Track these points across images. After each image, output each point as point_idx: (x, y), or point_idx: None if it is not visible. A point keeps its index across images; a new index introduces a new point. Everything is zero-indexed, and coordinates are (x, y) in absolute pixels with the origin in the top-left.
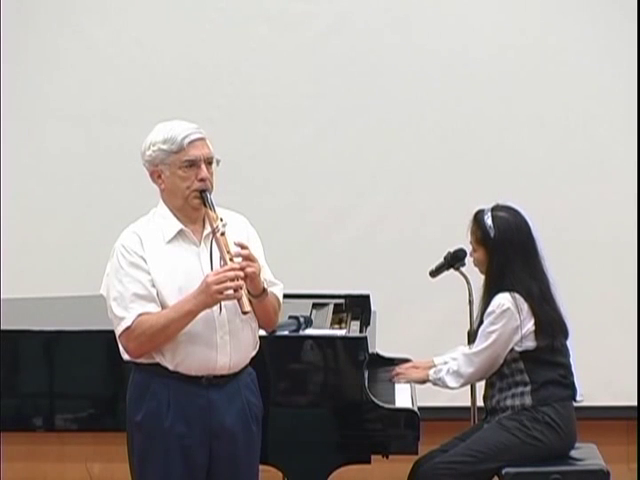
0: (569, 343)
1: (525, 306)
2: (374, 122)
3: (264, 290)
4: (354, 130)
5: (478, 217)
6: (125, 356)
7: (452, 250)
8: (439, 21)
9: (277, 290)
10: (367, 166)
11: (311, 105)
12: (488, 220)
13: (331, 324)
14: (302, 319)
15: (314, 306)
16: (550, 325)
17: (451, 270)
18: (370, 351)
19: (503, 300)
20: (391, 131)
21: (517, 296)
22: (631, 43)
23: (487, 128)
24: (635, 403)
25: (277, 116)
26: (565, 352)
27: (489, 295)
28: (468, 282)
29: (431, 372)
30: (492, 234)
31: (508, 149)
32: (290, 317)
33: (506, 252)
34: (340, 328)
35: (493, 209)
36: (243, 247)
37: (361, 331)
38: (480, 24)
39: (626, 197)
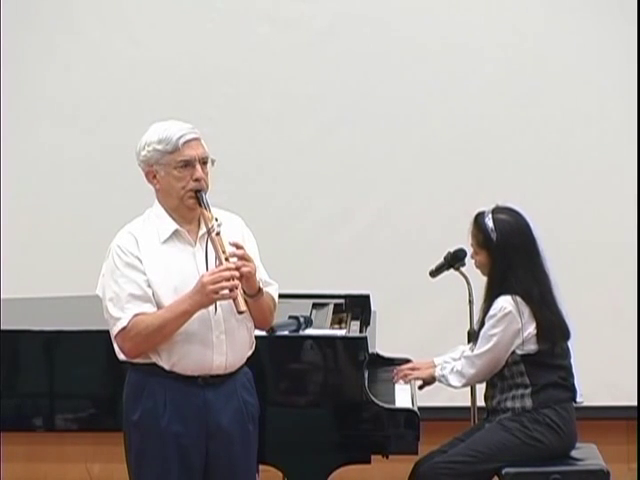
0: (570, 343)
1: (527, 309)
2: (374, 122)
3: (259, 290)
4: (354, 130)
5: (479, 220)
6: (121, 356)
7: (452, 250)
8: (439, 22)
9: (272, 290)
10: (367, 166)
11: (311, 105)
12: (489, 223)
13: (331, 324)
14: (302, 319)
15: (314, 306)
16: (550, 330)
17: (451, 270)
18: (370, 351)
19: (505, 303)
20: (391, 131)
21: (519, 299)
22: (631, 44)
23: (487, 128)
24: (635, 403)
25: (277, 116)
26: (566, 354)
27: (491, 297)
28: (468, 282)
29: (437, 369)
30: (494, 237)
31: (508, 149)
32: (290, 317)
33: (509, 255)
34: (340, 328)
35: (494, 211)
36: (238, 247)
37: (361, 331)
38: (481, 25)
39: (626, 197)
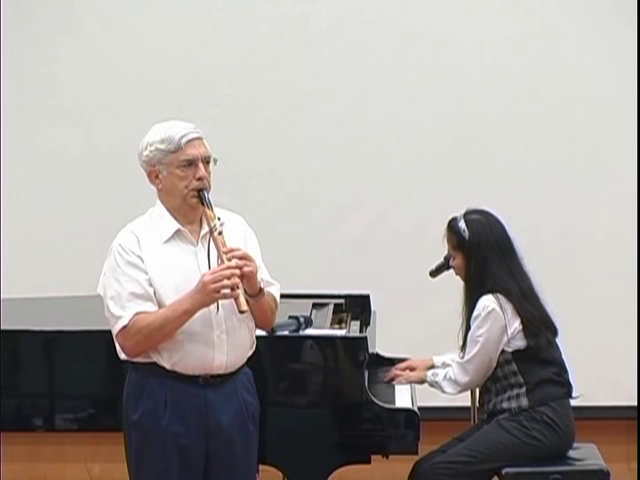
0: (560, 341)
1: (509, 306)
2: (374, 122)
3: (261, 290)
4: (354, 130)
5: (452, 224)
6: (122, 355)
7: None
8: (439, 21)
9: (274, 290)
10: (367, 166)
11: (311, 105)
12: (462, 224)
13: (331, 324)
14: (302, 319)
15: (314, 306)
16: (533, 323)
17: (451, 270)
18: (370, 351)
19: (487, 302)
20: (391, 131)
21: (500, 297)
22: (631, 43)
23: (487, 128)
24: (635, 403)
25: (277, 116)
26: (556, 349)
27: (471, 299)
28: None
29: (429, 374)
30: (467, 236)
31: (508, 149)
32: (290, 317)
33: (482, 252)
34: (340, 328)
35: (465, 214)
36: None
37: (361, 331)
38: (480, 24)
39: (627, 195)
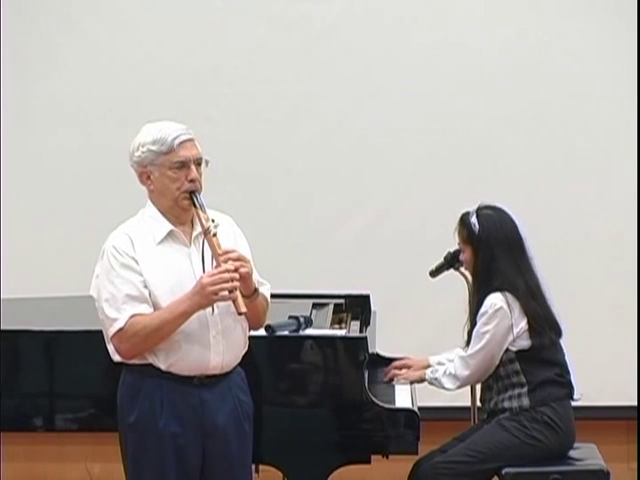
0: (563, 343)
1: (517, 305)
2: (374, 122)
3: (255, 290)
4: (354, 130)
5: (464, 218)
6: (116, 357)
7: (452, 250)
8: (439, 21)
9: (265, 290)
10: (367, 166)
11: (311, 105)
12: (473, 219)
13: (331, 324)
14: (302, 319)
15: (314, 306)
16: (537, 321)
17: (451, 270)
18: (370, 351)
19: (495, 300)
20: (391, 131)
21: (508, 295)
22: (631, 42)
23: (488, 128)
24: (635, 403)
25: (277, 116)
26: (559, 350)
27: (478, 295)
28: (468, 282)
29: (428, 371)
30: (477, 230)
31: (509, 149)
32: (290, 317)
33: (491, 247)
34: (340, 328)
35: (478, 209)
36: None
37: (361, 331)
38: (480, 24)
39: (626, 196)
